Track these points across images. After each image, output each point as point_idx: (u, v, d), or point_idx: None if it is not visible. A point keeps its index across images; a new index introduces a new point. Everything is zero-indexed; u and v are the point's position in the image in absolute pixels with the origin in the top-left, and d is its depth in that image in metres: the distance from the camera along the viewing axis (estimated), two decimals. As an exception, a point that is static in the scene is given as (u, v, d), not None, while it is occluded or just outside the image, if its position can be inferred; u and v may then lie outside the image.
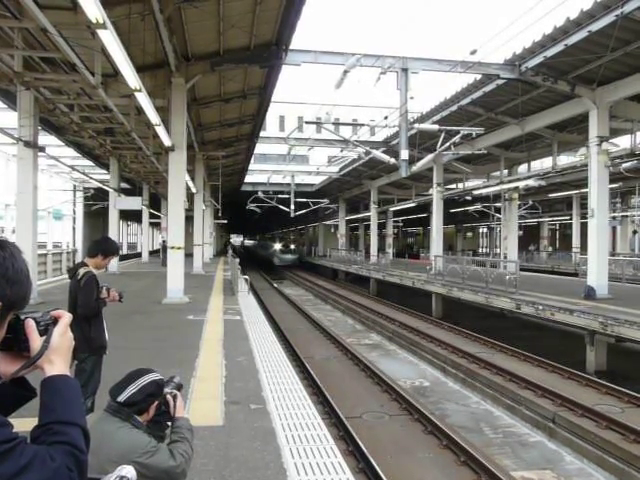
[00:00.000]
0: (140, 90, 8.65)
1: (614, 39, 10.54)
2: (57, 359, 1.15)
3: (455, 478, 6.28)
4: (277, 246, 45.97)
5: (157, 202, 32.69)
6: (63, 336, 1.17)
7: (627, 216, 33.45)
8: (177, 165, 12.79)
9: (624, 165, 14.59)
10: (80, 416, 1.13)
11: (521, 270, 18.67)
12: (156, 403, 2.05)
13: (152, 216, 32.08)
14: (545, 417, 8.06)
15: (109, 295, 4.25)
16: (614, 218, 31.10)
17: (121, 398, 1.97)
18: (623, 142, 18.14)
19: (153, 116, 10.48)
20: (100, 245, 4.47)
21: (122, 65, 7.50)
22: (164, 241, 24.33)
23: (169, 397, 2.10)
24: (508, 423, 8.47)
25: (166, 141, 12.19)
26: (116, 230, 22.30)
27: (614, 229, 34.14)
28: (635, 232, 35.51)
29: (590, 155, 13.54)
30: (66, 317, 1.20)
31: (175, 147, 12.50)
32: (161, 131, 11.55)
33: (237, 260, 18.52)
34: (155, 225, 44.06)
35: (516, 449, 7.43)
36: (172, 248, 12.79)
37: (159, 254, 29.63)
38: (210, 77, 13.52)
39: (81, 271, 4.22)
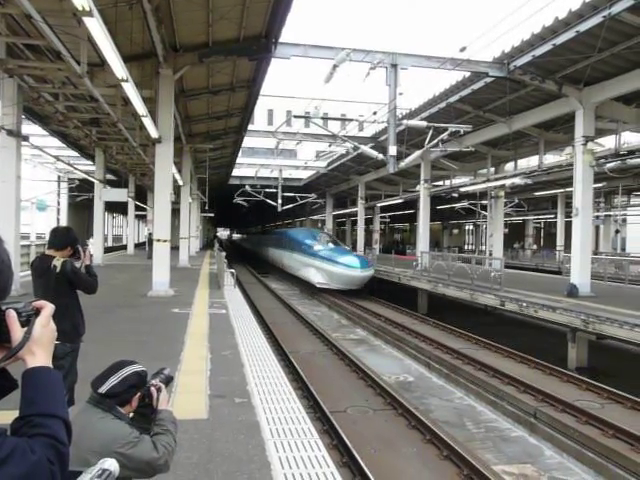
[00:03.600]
0: (127, 80, 8.55)
1: (601, 40, 10.63)
2: (39, 350, 1.13)
3: (438, 472, 6.33)
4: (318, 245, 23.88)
5: (143, 194, 32.44)
6: (45, 327, 1.16)
7: (610, 216, 33.89)
8: (164, 157, 12.69)
9: (608, 165, 14.76)
10: (62, 408, 1.12)
11: (506, 267, 18.84)
12: (139, 395, 2.03)
13: (138, 208, 31.83)
14: (526, 412, 8.16)
15: (84, 255, 4.23)
16: (597, 217, 31.51)
17: (102, 389, 1.95)
18: (608, 142, 18.36)
19: (140, 107, 10.37)
20: (68, 237, 4.25)
21: (108, 54, 7.40)
22: (150, 234, 24.15)
23: (153, 389, 2.08)
24: (490, 418, 8.56)
25: (153, 133, 12.07)
26: (101, 222, 22.08)
27: (597, 228, 34.59)
28: (617, 231, 36.03)
29: (575, 154, 13.68)
30: (48, 308, 1.18)
31: (162, 139, 12.38)
32: (148, 122, 11.43)
33: (223, 254, 18.44)
34: (141, 217, 43.71)
35: (498, 444, 7.51)
36: (158, 241, 12.70)
37: (145, 247, 29.40)
38: (198, 69, 13.41)
39: (57, 263, 4.06)
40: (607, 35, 10.54)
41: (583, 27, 10.30)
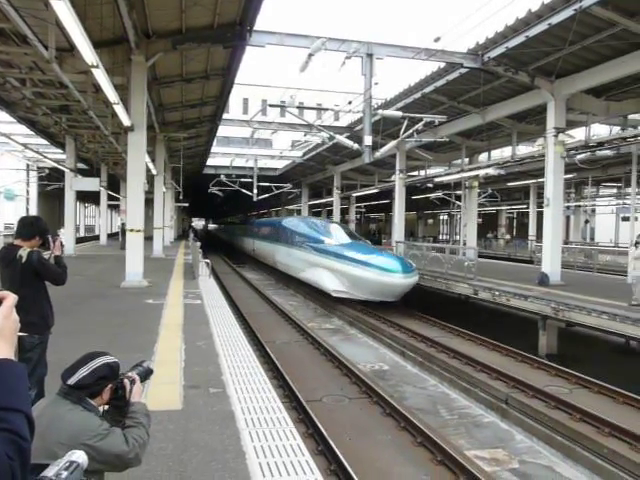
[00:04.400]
0: (97, 66, 8.36)
1: (572, 33, 10.78)
2: (0, 342, 1.10)
3: (411, 458, 6.43)
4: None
5: (116, 184, 31.88)
6: (7, 318, 1.12)
7: (580, 206, 34.60)
8: (137, 146, 12.48)
9: (578, 156, 15.09)
10: (24, 402, 1.08)
11: (479, 257, 19.13)
12: (110, 387, 2.01)
13: (111, 198, 31.30)
14: (498, 398, 8.32)
15: (54, 245, 4.15)
16: (568, 208, 32.19)
17: (71, 381, 1.92)
18: (578, 134, 18.70)
19: (111, 94, 10.15)
20: (36, 227, 4.15)
21: (77, 39, 7.22)
22: (123, 224, 23.78)
23: (126, 381, 2.06)
24: (463, 405, 8.72)
25: (125, 121, 11.85)
26: (72, 212, 21.64)
27: (568, 218, 35.34)
28: (587, 222, 36.86)
29: (547, 146, 13.93)
30: (10, 298, 1.15)
31: (135, 127, 12.17)
32: (120, 110, 11.22)
33: (198, 244, 18.29)
34: (114, 207, 43.02)
35: (470, 429, 7.66)
36: (131, 231, 12.52)
37: (118, 237, 28.97)
38: (172, 56, 13.17)
39: (23, 253, 3.97)
40: (578, 28, 10.70)
41: (555, 20, 10.43)
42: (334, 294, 16.46)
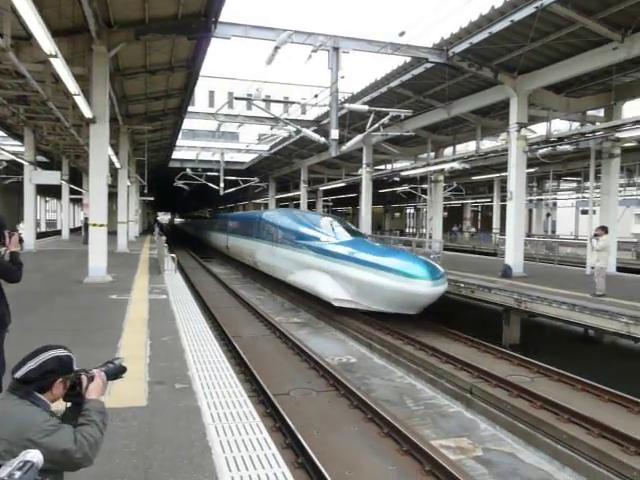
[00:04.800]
0: (56, 56, 8.09)
1: (534, 30, 11.03)
2: None
3: (378, 449, 6.50)
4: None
5: (78, 177, 31.10)
6: None
7: (542, 199, 35.49)
8: (99, 138, 12.17)
9: (540, 151, 15.47)
10: None
11: (445, 250, 19.43)
12: (61, 381, 1.94)
13: (73, 192, 30.50)
14: (463, 389, 8.50)
15: (10, 241, 3.99)
16: (530, 201, 32.99)
17: (18, 374, 1.87)
18: (540, 129, 19.16)
19: (71, 85, 9.86)
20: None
21: (34, 27, 6.96)
22: (86, 218, 23.22)
23: (84, 377, 2.01)
24: (429, 395, 8.87)
25: (87, 112, 11.54)
26: (32, 206, 21.00)
27: (530, 212, 36.23)
28: (548, 215, 37.85)
29: (510, 140, 14.23)
30: None
31: (97, 119, 11.86)
32: (81, 101, 10.90)
33: (163, 238, 18.02)
34: (77, 201, 41.96)
35: (436, 419, 7.80)
36: (94, 225, 12.24)
37: (81, 232, 28.27)
38: (135, 46, 12.88)
39: None
40: (539, 25, 10.94)
41: (517, 17, 10.63)
42: (335, 303, 13.59)
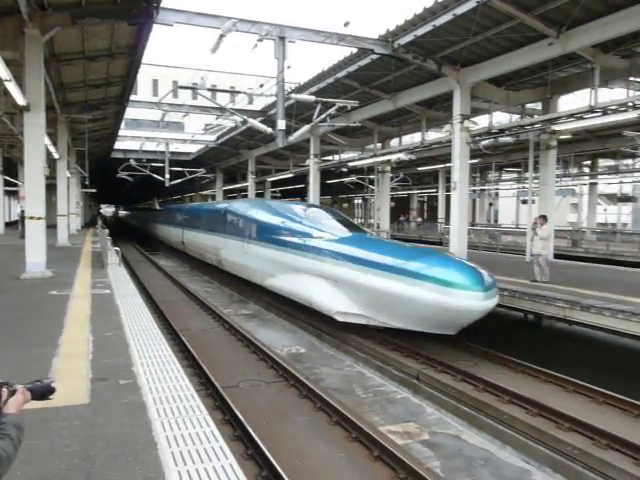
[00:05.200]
0: (-16, 39, 7.65)
1: (476, 24, 11.30)
2: None
3: (327, 437, 6.58)
4: None
5: (13, 168, 29.60)
6: None
7: (485, 190, 36.62)
8: (34, 127, 11.59)
9: (482, 142, 15.90)
10: None
11: (392, 239, 19.76)
12: None
13: (8, 184, 29.05)
14: (410, 375, 8.71)
15: None
16: (474, 191, 34.01)
17: None
18: (482, 121, 19.73)
19: (2, 70, 9.33)
20: None
21: (-39, 8, 6.56)
22: (22, 211, 22.18)
23: (4, 390, 1.91)
24: (378, 383, 9.03)
25: (20, 100, 10.96)
26: (-38, 198, 19.89)
27: (474, 202, 37.34)
28: (491, 204, 39.13)
29: (454, 132, 14.57)
30: None
31: (31, 107, 11.29)
32: (12, 87, 10.32)
33: (106, 231, 17.46)
34: (12, 194, 39.98)
35: (384, 406, 7.96)
36: (31, 218, 11.69)
37: (17, 225, 26.98)
38: (71, 31, 12.32)
39: None
40: (480, 20, 11.23)
41: (459, 10, 10.84)
42: (339, 318, 10.77)
